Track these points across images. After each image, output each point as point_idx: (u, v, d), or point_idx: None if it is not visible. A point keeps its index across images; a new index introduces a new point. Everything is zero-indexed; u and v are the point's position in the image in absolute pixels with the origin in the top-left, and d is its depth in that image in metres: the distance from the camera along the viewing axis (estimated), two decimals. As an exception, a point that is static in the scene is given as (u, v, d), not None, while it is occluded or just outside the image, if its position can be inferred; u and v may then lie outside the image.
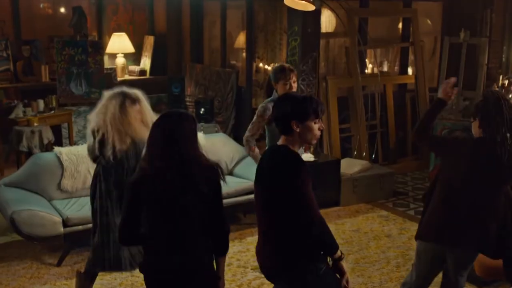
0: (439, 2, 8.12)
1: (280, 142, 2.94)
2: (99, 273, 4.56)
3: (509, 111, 3.30)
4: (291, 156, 2.87)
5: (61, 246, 4.90)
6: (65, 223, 4.73)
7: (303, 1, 5.35)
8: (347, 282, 2.89)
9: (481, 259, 3.87)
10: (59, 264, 4.81)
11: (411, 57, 8.03)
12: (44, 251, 5.07)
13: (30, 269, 4.75)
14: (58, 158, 5.26)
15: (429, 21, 8.41)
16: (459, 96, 7.11)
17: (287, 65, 4.73)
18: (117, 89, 3.89)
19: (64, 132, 7.67)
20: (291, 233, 2.84)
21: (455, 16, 7.89)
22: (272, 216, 2.90)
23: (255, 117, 4.60)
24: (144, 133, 3.56)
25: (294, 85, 4.63)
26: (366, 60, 7.84)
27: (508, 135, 3.28)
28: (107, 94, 3.88)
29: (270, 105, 4.48)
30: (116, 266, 3.91)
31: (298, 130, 2.87)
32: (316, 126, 2.89)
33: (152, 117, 3.73)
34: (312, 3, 5.52)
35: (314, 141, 2.99)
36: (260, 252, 3.01)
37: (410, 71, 8.12)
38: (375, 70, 7.84)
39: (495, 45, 7.82)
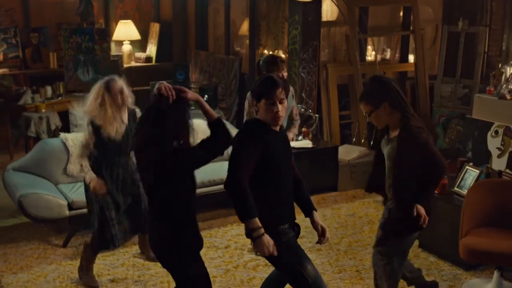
0: (440, -11, 8.20)
1: None
2: (102, 254, 4.80)
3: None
4: (249, 125, 3.20)
5: (66, 228, 5.09)
6: (71, 206, 4.92)
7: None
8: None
9: (465, 243, 4.05)
10: (64, 245, 5.02)
11: (412, 44, 8.13)
12: (50, 233, 5.28)
13: (37, 250, 4.97)
14: (64, 144, 5.44)
15: (430, 9, 8.49)
16: (458, 84, 7.25)
17: (278, 55, 4.91)
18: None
19: (72, 118, 7.86)
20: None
21: (455, 4, 7.95)
22: None
23: (247, 105, 4.81)
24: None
25: (285, 75, 4.85)
26: (369, 47, 7.95)
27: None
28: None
29: None
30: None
31: (256, 109, 3.12)
32: (269, 108, 3.05)
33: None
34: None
35: (274, 122, 3.10)
36: None
37: (412, 58, 8.21)
38: (379, 57, 7.97)
39: (495, 33, 7.88)
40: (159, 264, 4.60)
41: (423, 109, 7.86)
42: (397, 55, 8.33)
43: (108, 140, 4.07)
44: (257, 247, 3.03)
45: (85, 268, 4.36)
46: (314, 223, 3.36)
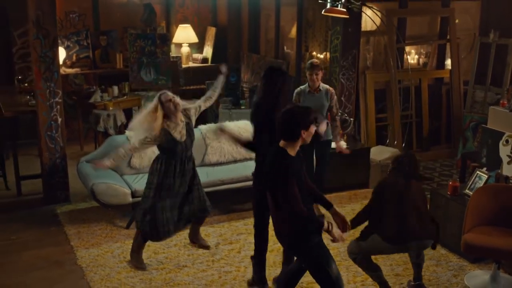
0: (477, 1, 8.66)
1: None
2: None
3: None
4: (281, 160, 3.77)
5: (129, 213, 5.99)
6: (133, 194, 5.81)
7: (338, 14, 6.20)
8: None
9: (466, 238, 4.68)
10: (127, 227, 5.92)
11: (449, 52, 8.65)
12: (116, 216, 6.19)
13: (105, 230, 5.89)
14: (129, 141, 6.29)
15: (469, 19, 8.96)
16: (488, 91, 7.77)
17: (316, 61, 5.83)
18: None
19: (135, 114, 8.79)
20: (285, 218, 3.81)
21: (492, 14, 8.41)
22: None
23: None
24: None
25: (318, 78, 5.95)
26: (412, 50, 8.54)
27: None
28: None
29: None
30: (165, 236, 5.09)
31: (304, 136, 3.79)
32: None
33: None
34: (346, 13, 6.34)
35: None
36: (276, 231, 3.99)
37: (449, 62, 8.69)
38: (421, 62, 8.57)
39: (529, 43, 8.31)
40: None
41: (456, 113, 8.41)
42: (434, 61, 8.87)
43: (176, 142, 4.90)
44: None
45: (136, 252, 5.14)
46: (334, 215, 4.06)
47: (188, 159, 5.09)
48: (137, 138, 4.95)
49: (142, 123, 4.91)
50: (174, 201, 5.04)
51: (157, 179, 4.99)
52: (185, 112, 5.08)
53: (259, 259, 4.76)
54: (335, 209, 4.09)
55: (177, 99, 4.95)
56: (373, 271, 4.60)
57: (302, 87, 6.19)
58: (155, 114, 4.86)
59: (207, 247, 5.46)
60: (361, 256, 4.55)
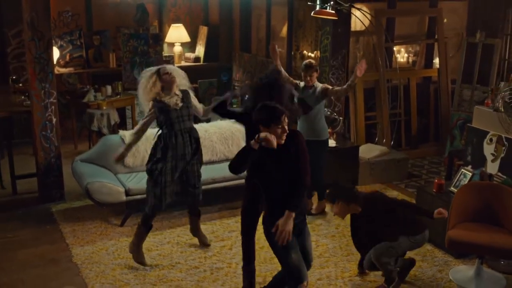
0: (465, 1, 8.81)
1: None
2: (152, 232, 5.78)
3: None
4: None
5: (123, 211, 6.10)
6: (127, 193, 5.93)
7: (327, 16, 6.33)
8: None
9: (450, 234, 4.84)
10: (122, 225, 6.04)
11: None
12: (110, 214, 6.30)
13: (100, 228, 6.01)
14: (123, 140, 6.37)
15: (457, 18, 9.11)
16: (475, 90, 7.93)
17: (311, 62, 5.91)
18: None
19: (128, 113, 8.92)
20: None
21: (478, 14, 8.57)
22: None
23: None
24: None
25: (311, 79, 6.03)
26: (402, 49, 8.69)
27: None
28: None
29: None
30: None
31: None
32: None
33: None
34: (335, 15, 6.48)
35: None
36: None
37: (437, 62, 8.85)
38: (410, 61, 8.71)
39: (515, 42, 8.48)
40: (198, 243, 5.59)
41: (444, 112, 8.58)
42: (422, 60, 9.02)
43: (170, 109, 5.04)
44: None
45: (136, 245, 5.22)
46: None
47: (187, 131, 5.16)
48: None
49: (144, 95, 5.10)
50: (173, 174, 5.15)
51: (159, 154, 5.12)
52: (185, 93, 5.20)
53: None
54: (287, 213, 3.87)
55: (174, 73, 5.12)
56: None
57: (301, 82, 6.20)
58: (152, 87, 5.05)
59: (206, 245, 5.57)
60: (394, 260, 4.76)
